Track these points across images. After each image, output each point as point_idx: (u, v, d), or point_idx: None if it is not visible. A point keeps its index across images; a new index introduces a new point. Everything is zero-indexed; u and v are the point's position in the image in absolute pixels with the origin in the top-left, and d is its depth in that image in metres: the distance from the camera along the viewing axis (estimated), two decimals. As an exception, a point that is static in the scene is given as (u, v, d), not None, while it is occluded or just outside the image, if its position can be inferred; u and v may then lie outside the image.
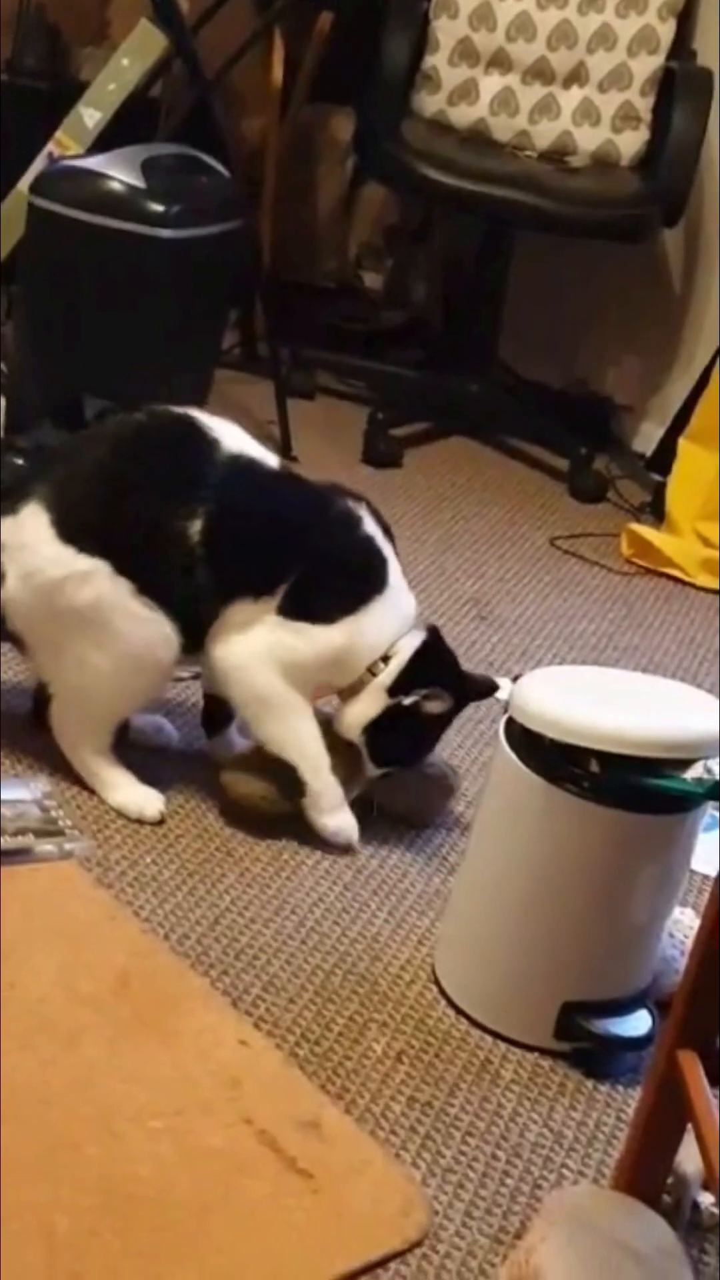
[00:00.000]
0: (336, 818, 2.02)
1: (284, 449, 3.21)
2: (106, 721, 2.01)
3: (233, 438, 1.99)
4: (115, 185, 2.88)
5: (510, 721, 1.75)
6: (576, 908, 1.71)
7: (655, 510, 3.35)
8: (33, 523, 1.92)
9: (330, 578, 1.98)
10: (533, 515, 3.34)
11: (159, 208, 2.87)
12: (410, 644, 2.01)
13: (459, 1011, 1.78)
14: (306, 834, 2.02)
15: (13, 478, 2.47)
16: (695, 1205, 1.54)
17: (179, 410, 2.01)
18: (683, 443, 3.33)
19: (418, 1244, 1.15)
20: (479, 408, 3.65)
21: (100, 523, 1.92)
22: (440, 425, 3.65)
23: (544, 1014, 1.73)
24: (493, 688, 2.11)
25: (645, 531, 3.19)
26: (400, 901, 1.96)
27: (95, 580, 1.90)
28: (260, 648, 1.95)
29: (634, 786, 1.66)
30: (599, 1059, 1.73)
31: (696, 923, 1.75)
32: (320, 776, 2.00)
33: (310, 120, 3.87)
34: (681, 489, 3.27)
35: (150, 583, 1.92)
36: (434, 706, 2.00)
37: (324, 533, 1.99)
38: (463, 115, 3.56)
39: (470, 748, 2.32)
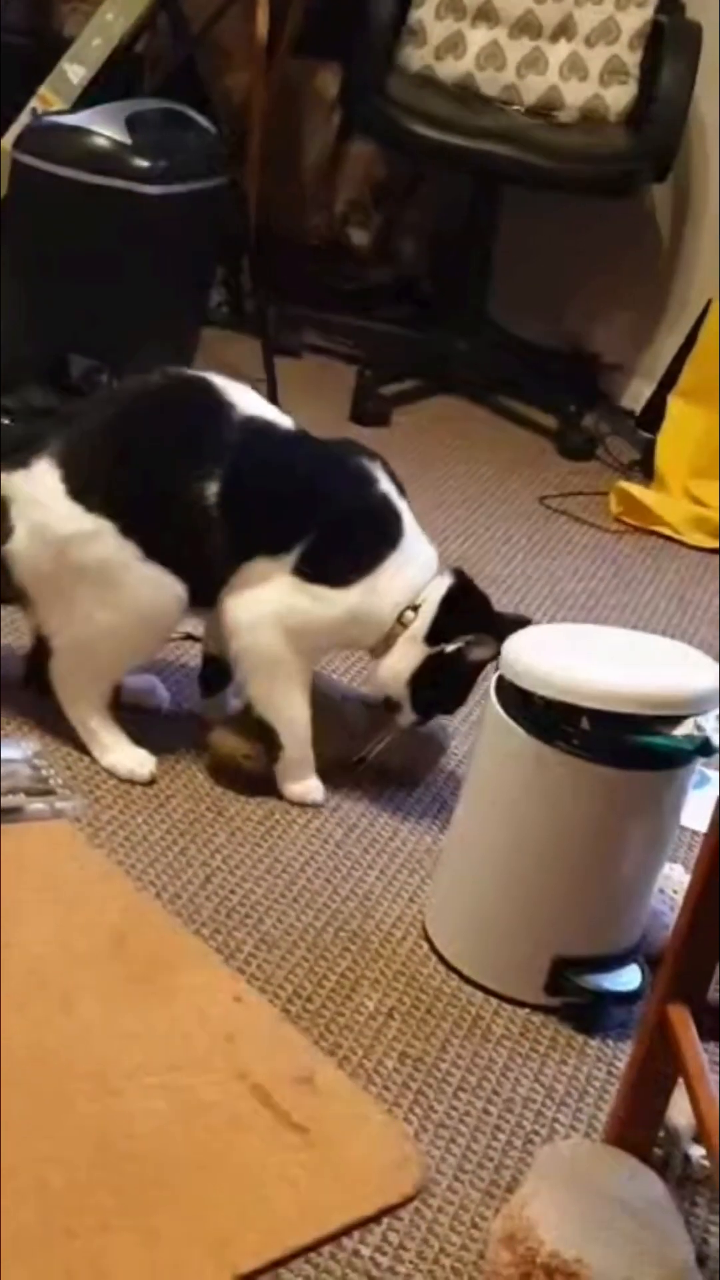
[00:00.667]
0: (303, 784, 2.03)
1: (272, 407, 3.20)
2: (106, 678, 2.01)
3: (247, 400, 1.97)
4: (100, 141, 2.86)
5: (501, 680, 1.75)
6: (567, 864, 1.72)
7: (644, 468, 3.34)
8: (44, 478, 1.92)
9: (345, 537, 1.97)
10: (522, 474, 3.33)
11: (144, 163, 2.85)
12: (437, 590, 2.00)
13: (450, 968, 1.78)
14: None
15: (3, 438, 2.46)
16: (686, 1158, 1.55)
17: (194, 373, 2.00)
18: (672, 400, 3.32)
19: (412, 1198, 1.16)
20: (468, 366, 3.64)
21: (109, 483, 1.91)
22: (429, 383, 3.64)
23: (535, 969, 1.74)
24: (525, 621, 2.05)
25: (634, 489, 3.19)
26: (392, 859, 1.96)
27: (102, 539, 1.90)
28: (273, 609, 1.94)
29: (624, 744, 1.66)
30: (590, 1014, 1.74)
31: (686, 878, 1.76)
32: (299, 746, 2.01)
33: (296, 75, 3.83)
34: (671, 446, 3.27)
35: (159, 545, 1.91)
36: (480, 653, 1.98)
37: (339, 491, 1.98)
38: (450, 69, 3.53)
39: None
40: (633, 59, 3.45)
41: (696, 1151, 1.55)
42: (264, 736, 2.00)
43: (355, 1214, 1.09)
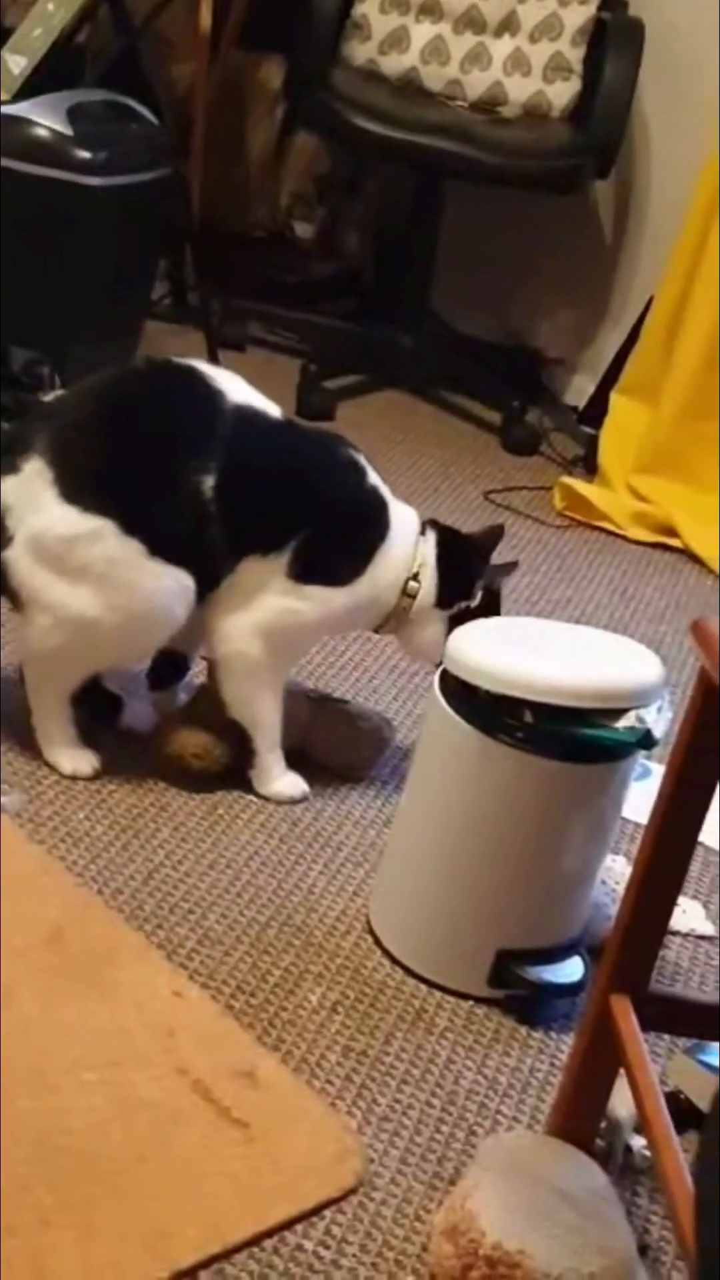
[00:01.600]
0: (283, 782, 2.02)
1: (215, 401, 3.19)
2: (88, 667, 1.96)
3: (236, 388, 1.94)
4: (41, 132, 2.83)
5: (444, 673, 1.75)
6: (510, 857, 1.72)
7: (588, 464, 3.35)
8: (36, 481, 1.85)
9: (339, 535, 1.96)
10: (466, 468, 3.33)
11: (86, 155, 2.82)
12: (429, 551, 2.01)
13: (394, 961, 1.78)
14: (242, 788, 2.01)
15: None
16: (628, 1149, 1.56)
17: (180, 361, 1.96)
18: (614, 396, 3.33)
19: (353, 1191, 1.16)
20: (412, 360, 3.63)
21: (105, 480, 1.85)
22: (373, 378, 3.63)
23: (478, 962, 1.74)
24: (513, 565, 2.16)
25: (578, 485, 3.20)
26: (336, 854, 1.96)
27: (103, 540, 1.84)
28: (263, 617, 1.92)
29: (567, 736, 1.67)
30: (532, 1005, 1.75)
31: (628, 870, 1.76)
32: (274, 749, 2.00)
33: (240, 67, 3.81)
34: (613, 442, 3.28)
35: (161, 541, 1.86)
36: (498, 584, 2.05)
37: (331, 486, 1.97)
38: (393, 64, 3.53)
39: (405, 700, 2.32)
40: (576, 55, 3.46)
41: (638, 1142, 1.56)
42: (219, 730, 1.99)
43: (296, 1208, 1.08)
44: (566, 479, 3.23)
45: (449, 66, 3.52)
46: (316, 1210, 1.04)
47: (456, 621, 1.97)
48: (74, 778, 1.97)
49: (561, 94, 3.48)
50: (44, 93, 3.00)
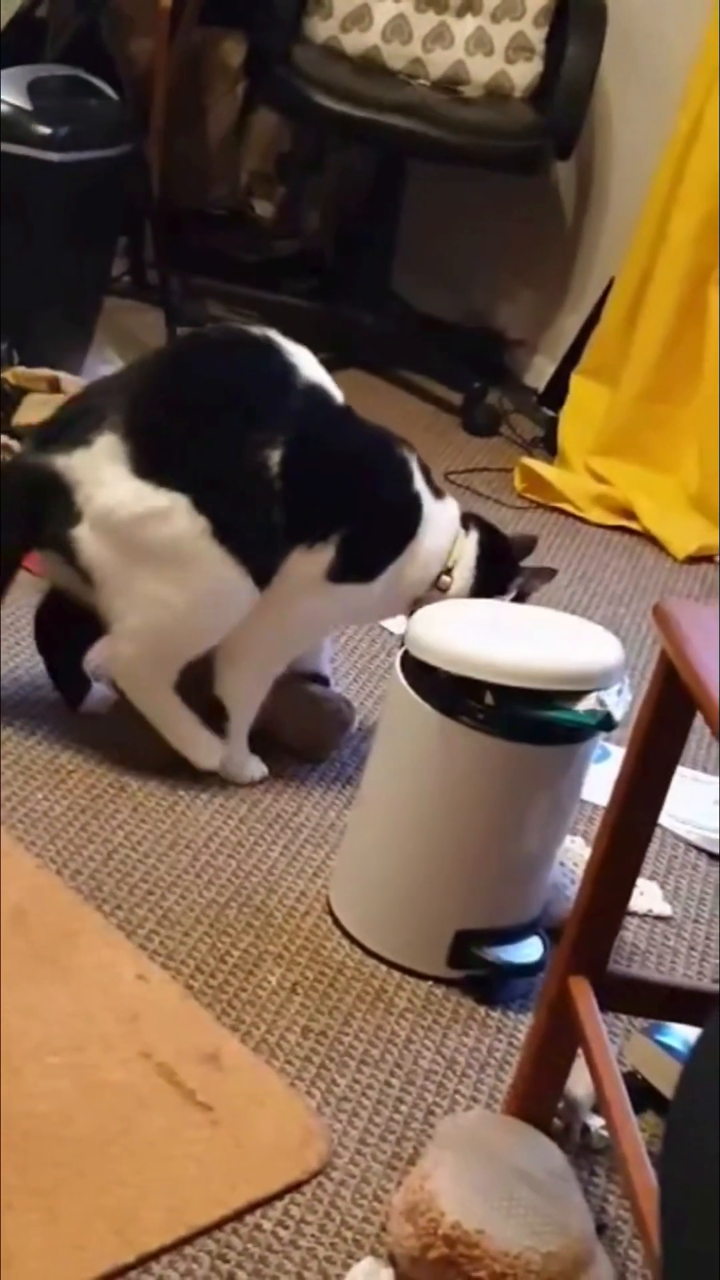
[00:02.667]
0: (246, 766, 2.03)
1: (175, 380, 3.17)
2: (176, 661, 1.93)
3: (308, 364, 1.91)
4: (1, 107, 2.80)
5: (405, 655, 1.75)
6: (471, 838, 1.73)
7: (548, 445, 3.36)
8: (109, 456, 1.81)
9: (376, 536, 1.95)
10: (426, 449, 3.28)
11: (46, 130, 2.80)
12: (469, 549, 2.00)
13: (354, 942, 1.79)
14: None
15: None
16: (585, 1129, 1.57)
17: (256, 330, 1.91)
18: (575, 378, 3.34)
19: (318, 1174, 1.16)
20: (372, 340, 3.63)
21: (180, 454, 1.82)
22: (333, 357, 3.60)
23: (438, 943, 1.75)
24: (552, 572, 2.14)
25: (538, 466, 3.21)
26: (296, 835, 1.96)
27: (175, 517, 1.80)
28: (297, 615, 1.91)
29: (528, 718, 1.67)
30: (491, 986, 1.76)
31: (587, 851, 1.78)
32: (244, 733, 2.00)
33: (200, 43, 3.78)
34: (573, 424, 3.29)
35: (229, 520, 1.82)
36: (532, 588, 2.05)
37: (381, 487, 1.96)
38: (355, 42, 3.51)
39: (365, 681, 2.33)
40: (538, 35, 3.45)
41: (595, 1122, 1.57)
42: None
43: (260, 1191, 1.09)
44: (526, 460, 3.23)
45: (411, 45, 3.51)
46: (281, 1193, 1.05)
47: None
48: (244, 782, 1.99)
49: (523, 74, 3.48)
50: (3, 67, 2.98)
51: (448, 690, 1.69)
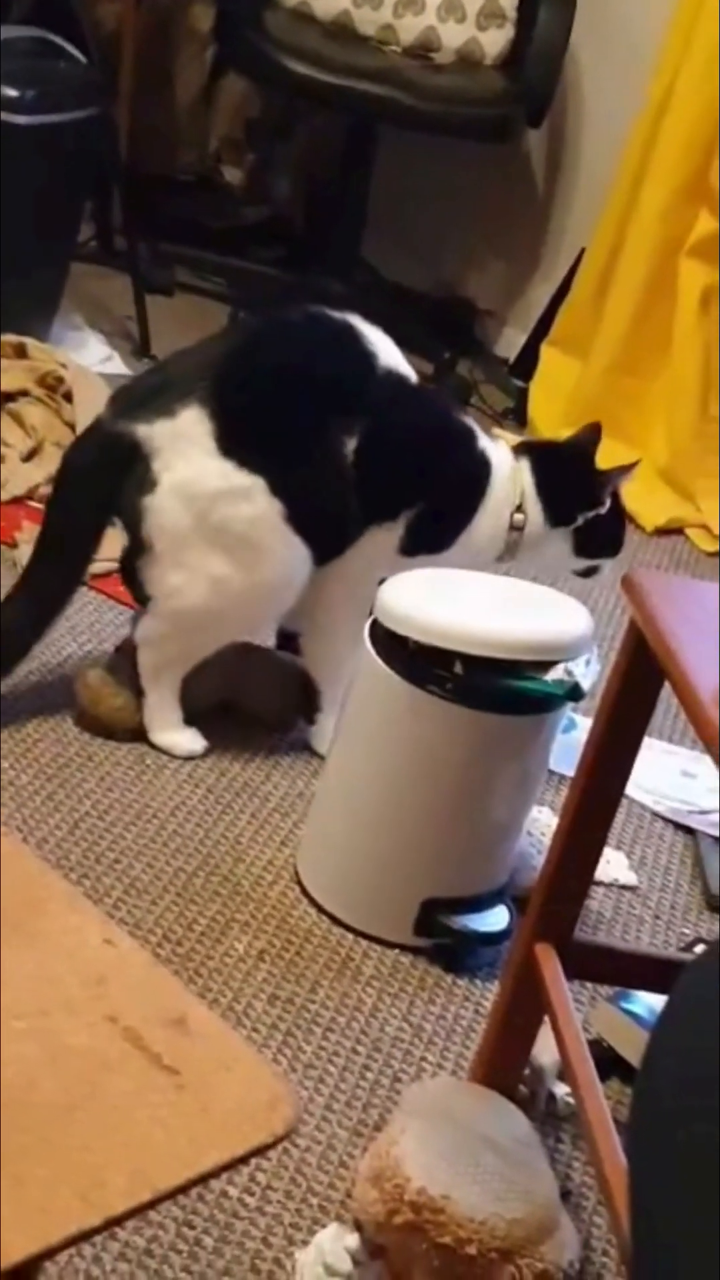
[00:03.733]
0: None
1: (143, 347, 3.15)
2: (204, 649, 1.93)
3: (387, 350, 1.91)
4: (-34, 68, 2.77)
5: (374, 624, 1.75)
6: (438, 807, 1.73)
7: (518, 416, 3.36)
8: (193, 430, 1.80)
9: (448, 507, 1.96)
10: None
11: (13, 93, 2.76)
12: (526, 479, 1.99)
13: (321, 910, 1.79)
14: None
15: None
16: (551, 1096, 1.58)
17: (338, 315, 1.91)
18: (545, 348, 3.33)
19: (284, 1138, 1.17)
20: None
21: (262, 437, 1.82)
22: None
23: (405, 911, 1.75)
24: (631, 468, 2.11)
25: (508, 437, 3.19)
26: (264, 804, 1.96)
27: (253, 498, 1.81)
28: (371, 590, 1.87)
29: (496, 688, 1.68)
30: (458, 954, 1.76)
31: (554, 821, 1.78)
32: (335, 709, 1.94)
33: (169, 6, 3.75)
34: (543, 395, 3.29)
35: (303, 506, 1.83)
36: (612, 490, 2.03)
37: (451, 460, 1.96)
38: (326, 7, 3.48)
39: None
40: (510, 2, 3.43)
41: (560, 1089, 1.58)
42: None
43: (228, 1154, 1.09)
44: (497, 431, 3.22)
45: (382, 10, 3.48)
46: (248, 1156, 1.05)
47: (587, 531, 2.01)
48: (189, 758, 1.97)
49: (495, 41, 3.46)
50: (-31, 28, 2.94)
51: (417, 660, 1.69)
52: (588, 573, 2.10)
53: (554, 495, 1.99)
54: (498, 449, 2.01)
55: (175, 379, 1.86)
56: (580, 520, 2.02)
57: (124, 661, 1.99)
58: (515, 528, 1.98)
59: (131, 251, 3.25)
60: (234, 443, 1.81)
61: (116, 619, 2.18)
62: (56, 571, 1.94)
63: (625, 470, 2.08)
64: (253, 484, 1.82)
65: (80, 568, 1.95)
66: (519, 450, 2.03)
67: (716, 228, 2.99)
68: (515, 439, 2.09)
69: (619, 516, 2.08)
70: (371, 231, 3.64)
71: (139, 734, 1.98)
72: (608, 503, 2.03)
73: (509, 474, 1.99)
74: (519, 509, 1.98)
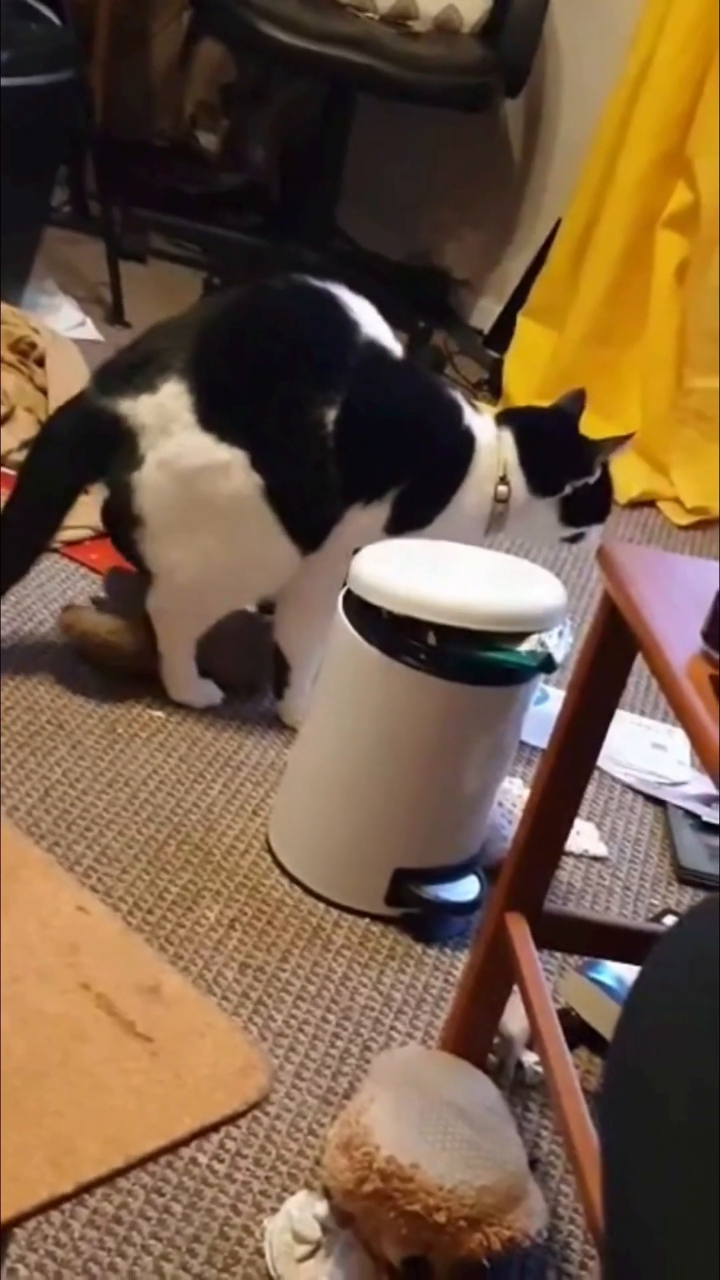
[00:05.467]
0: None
1: (116, 313, 3.13)
2: (210, 616, 1.95)
3: (370, 320, 1.90)
4: (-61, 28, 2.74)
5: (348, 594, 1.75)
6: (411, 777, 1.73)
7: (492, 387, 3.35)
8: (174, 404, 1.80)
9: (433, 485, 1.94)
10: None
11: (-14, 54, 2.74)
12: (508, 451, 1.97)
13: (292, 880, 1.80)
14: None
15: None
16: (520, 1064, 1.59)
17: (320, 284, 1.90)
18: (520, 319, 3.33)
19: (257, 1105, 1.17)
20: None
21: (242, 410, 1.81)
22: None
23: (376, 880, 1.76)
24: (620, 441, 2.12)
25: (483, 408, 3.19)
26: (236, 773, 1.96)
27: (234, 472, 1.81)
28: (349, 568, 1.87)
29: (469, 659, 1.68)
30: (428, 923, 1.77)
31: (525, 792, 1.79)
32: (306, 684, 1.98)
33: (145, -31, 3.72)
34: (518, 366, 3.28)
35: (282, 480, 1.83)
36: (599, 464, 2.02)
37: (437, 437, 1.95)
38: (304, -29, 3.45)
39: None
40: (488, -30, 3.41)
41: (529, 1058, 1.59)
42: (131, 613, 1.98)
43: (200, 1121, 1.09)
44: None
45: (360, -24, 3.45)
46: (221, 1123, 1.05)
47: (576, 499, 2.00)
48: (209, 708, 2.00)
49: (473, 9, 3.43)
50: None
51: (389, 630, 1.69)
52: (574, 539, 2.09)
53: (539, 466, 1.99)
54: (482, 421, 2.00)
55: (157, 351, 1.85)
56: (569, 489, 2.01)
57: (109, 596, 2.02)
58: (500, 500, 1.98)
59: (105, 216, 3.23)
60: (214, 417, 1.80)
61: (90, 587, 2.17)
62: (24, 537, 1.93)
63: (620, 441, 2.09)
64: (232, 458, 1.81)
65: (47, 535, 1.96)
66: (500, 420, 2.02)
67: (693, 199, 2.98)
68: (494, 409, 2.08)
69: (606, 483, 2.08)
70: (347, 200, 3.62)
71: (126, 666, 2.00)
72: (598, 472, 2.03)
73: (492, 446, 1.99)
74: (503, 480, 1.97)
